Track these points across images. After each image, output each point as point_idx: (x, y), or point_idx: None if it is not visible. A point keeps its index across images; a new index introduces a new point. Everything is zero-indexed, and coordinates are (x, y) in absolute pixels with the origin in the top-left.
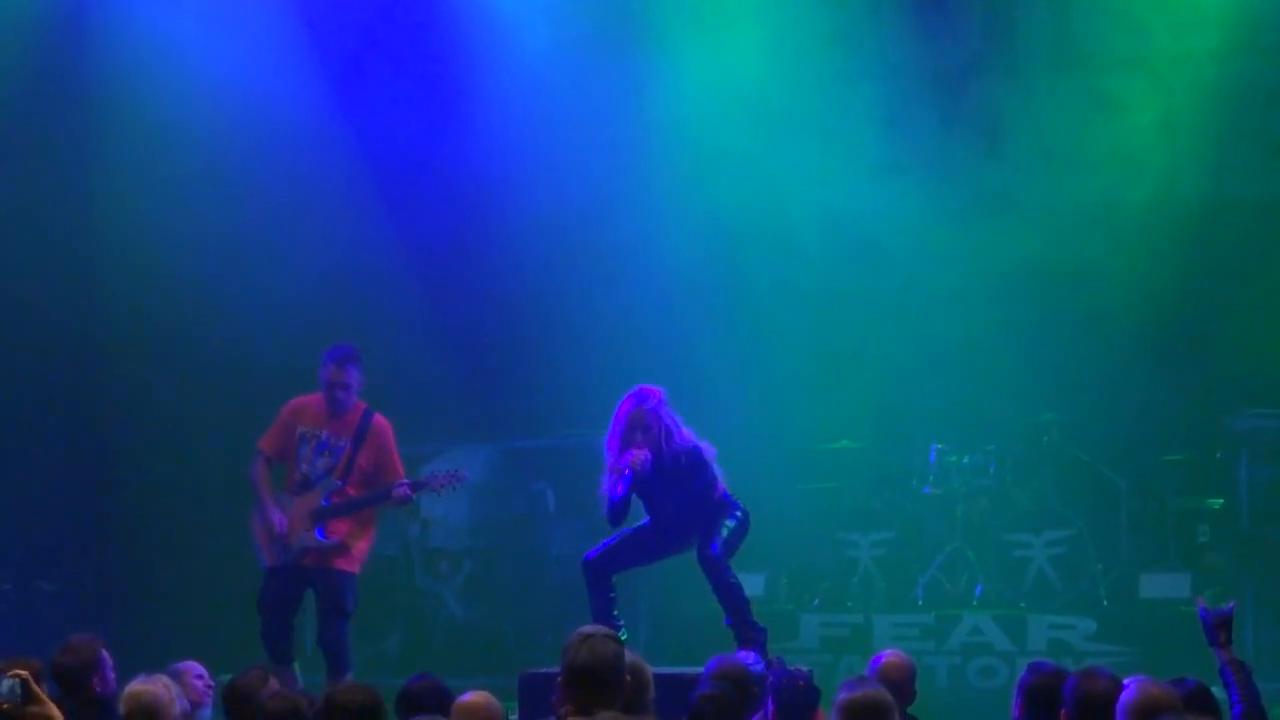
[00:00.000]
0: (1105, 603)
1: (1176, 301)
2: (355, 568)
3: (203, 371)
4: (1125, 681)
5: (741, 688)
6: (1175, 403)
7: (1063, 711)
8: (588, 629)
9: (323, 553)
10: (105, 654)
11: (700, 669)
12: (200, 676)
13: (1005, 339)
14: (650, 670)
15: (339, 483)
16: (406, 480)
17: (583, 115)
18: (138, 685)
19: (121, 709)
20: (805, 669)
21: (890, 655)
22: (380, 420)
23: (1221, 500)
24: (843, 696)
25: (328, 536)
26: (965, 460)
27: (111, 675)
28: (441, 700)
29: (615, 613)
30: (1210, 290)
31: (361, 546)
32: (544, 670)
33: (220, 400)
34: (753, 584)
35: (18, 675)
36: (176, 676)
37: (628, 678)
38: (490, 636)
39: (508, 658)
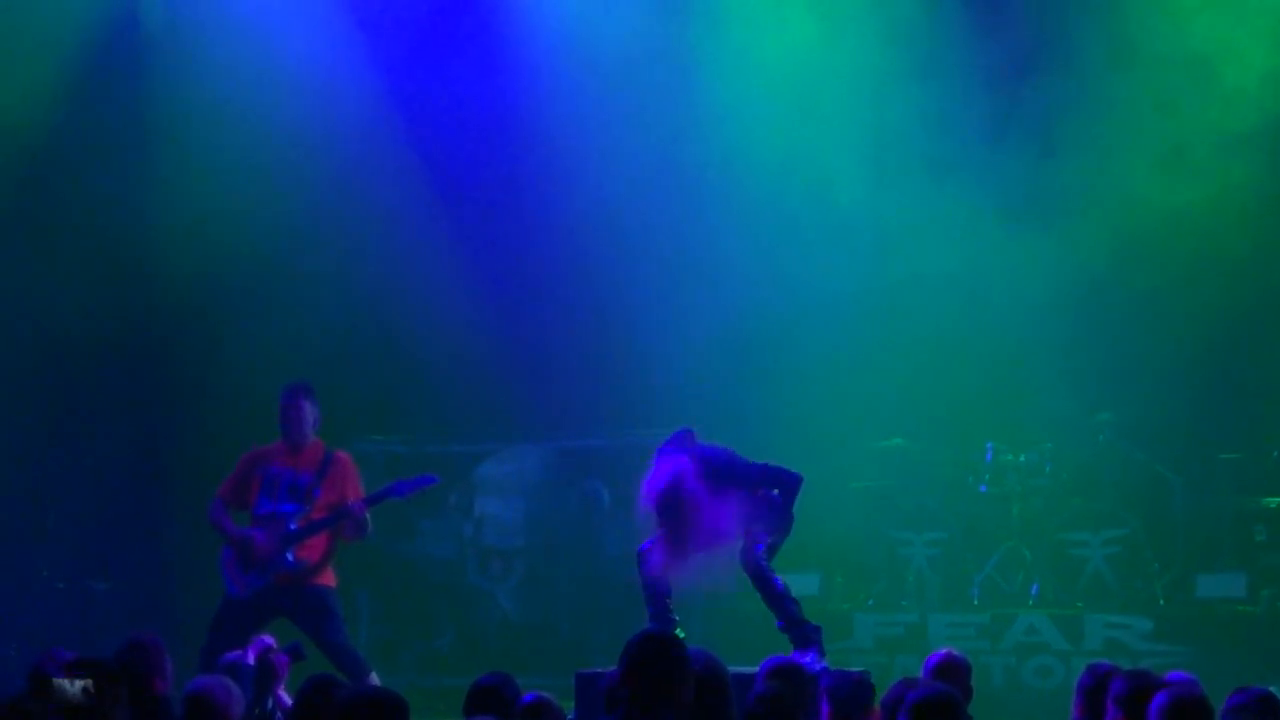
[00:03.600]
0: (1161, 602)
1: (1233, 300)
2: (334, 584)
3: (257, 368)
4: (1170, 676)
5: (797, 687)
6: (1231, 401)
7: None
8: (650, 629)
9: (299, 574)
10: (166, 653)
11: (755, 668)
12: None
13: (1060, 338)
14: (728, 671)
15: (306, 509)
16: (364, 497)
17: (635, 109)
18: (198, 685)
19: (181, 709)
20: (860, 669)
21: (946, 654)
22: (342, 455)
23: (1278, 499)
24: (914, 696)
25: (298, 560)
26: (1021, 459)
27: (171, 674)
28: (511, 700)
29: (670, 607)
30: (1268, 289)
31: (330, 573)
32: (599, 670)
33: (274, 396)
34: (807, 583)
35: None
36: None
37: (697, 679)
38: (545, 636)
39: (562, 657)
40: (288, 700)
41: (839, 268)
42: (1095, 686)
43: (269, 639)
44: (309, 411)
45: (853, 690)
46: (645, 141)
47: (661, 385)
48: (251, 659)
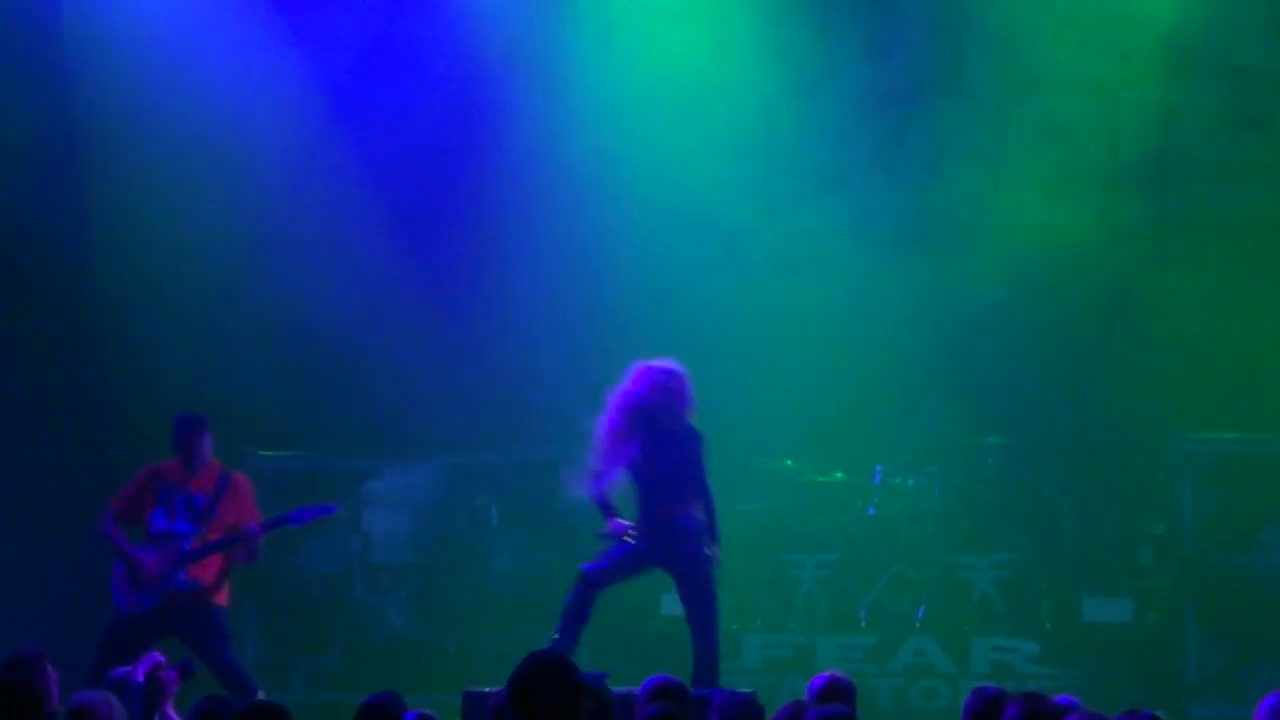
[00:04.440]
0: (1048, 625)
1: (1120, 325)
2: (225, 604)
3: (161, 377)
4: (1057, 699)
5: (683, 706)
6: (1119, 426)
7: None
8: (541, 650)
9: (192, 594)
10: (49, 668)
11: (635, 688)
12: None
13: (950, 361)
14: (611, 693)
15: (202, 529)
16: (260, 521)
17: (520, 119)
18: (81, 699)
19: None
20: (748, 690)
21: (830, 677)
22: (239, 477)
23: (1164, 524)
24: (813, 717)
25: (190, 580)
26: (910, 482)
27: (55, 691)
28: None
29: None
30: (1156, 313)
31: (224, 592)
32: (487, 690)
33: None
34: None
35: None
36: (122, 686)
37: (585, 700)
38: (433, 652)
39: (451, 674)
40: (175, 718)
41: (729, 284)
42: (982, 710)
43: (158, 656)
44: (205, 445)
45: (741, 711)
46: (536, 153)
47: (551, 404)
48: (140, 676)
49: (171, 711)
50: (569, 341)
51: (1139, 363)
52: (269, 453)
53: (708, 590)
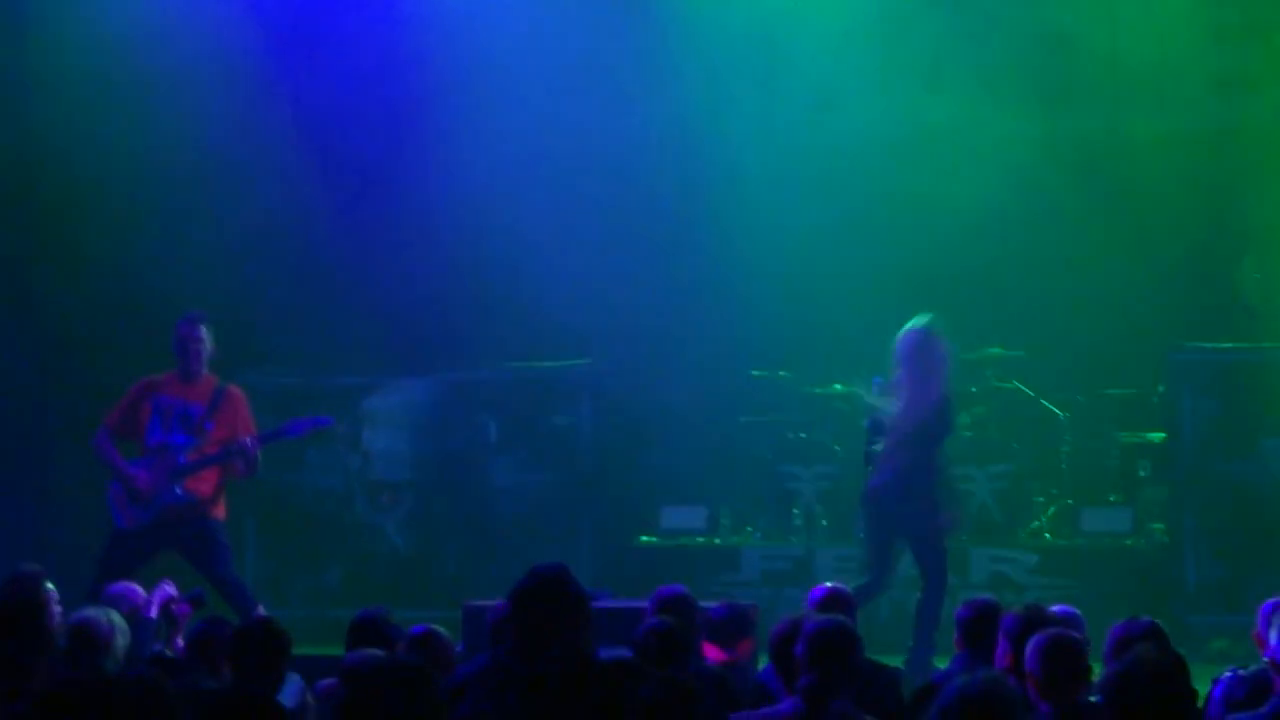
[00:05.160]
0: (1047, 536)
1: (1118, 235)
2: (223, 517)
3: (149, 297)
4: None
5: (687, 619)
6: (1118, 337)
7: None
8: (542, 564)
9: (189, 507)
10: (50, 586)
11: (645, 602)
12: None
13: (948, 273)
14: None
15: (198, 441)
16: (256, 433)
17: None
18: (81, 616)
19: (65, 640)
20: (747, 601)
21: (830, 589)
22: (234, 390)
23: (1164, 434)
24: (811, 627)
25: (187, 493)
26: None
27: (56, 608)
28: (391, 632)
29: None
30: (1153, 224)
31: (222, 506)
32: (487, 603)
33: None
34: (694, 516)
35: None
36: (121, 601)
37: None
38: (433, 569)
39: (451, 590)
40: (179, 642)
41: (730, 198)
42: (974, 618)
43: (170, 589)
44: (206, 342)
45: (730, 618)
46: (544, 83)
47: (550, 317)
48: (154, 611)
49: (180, 640)
50: (569, 256)
51: (1137, 273)
52: (267, 368)
53: None
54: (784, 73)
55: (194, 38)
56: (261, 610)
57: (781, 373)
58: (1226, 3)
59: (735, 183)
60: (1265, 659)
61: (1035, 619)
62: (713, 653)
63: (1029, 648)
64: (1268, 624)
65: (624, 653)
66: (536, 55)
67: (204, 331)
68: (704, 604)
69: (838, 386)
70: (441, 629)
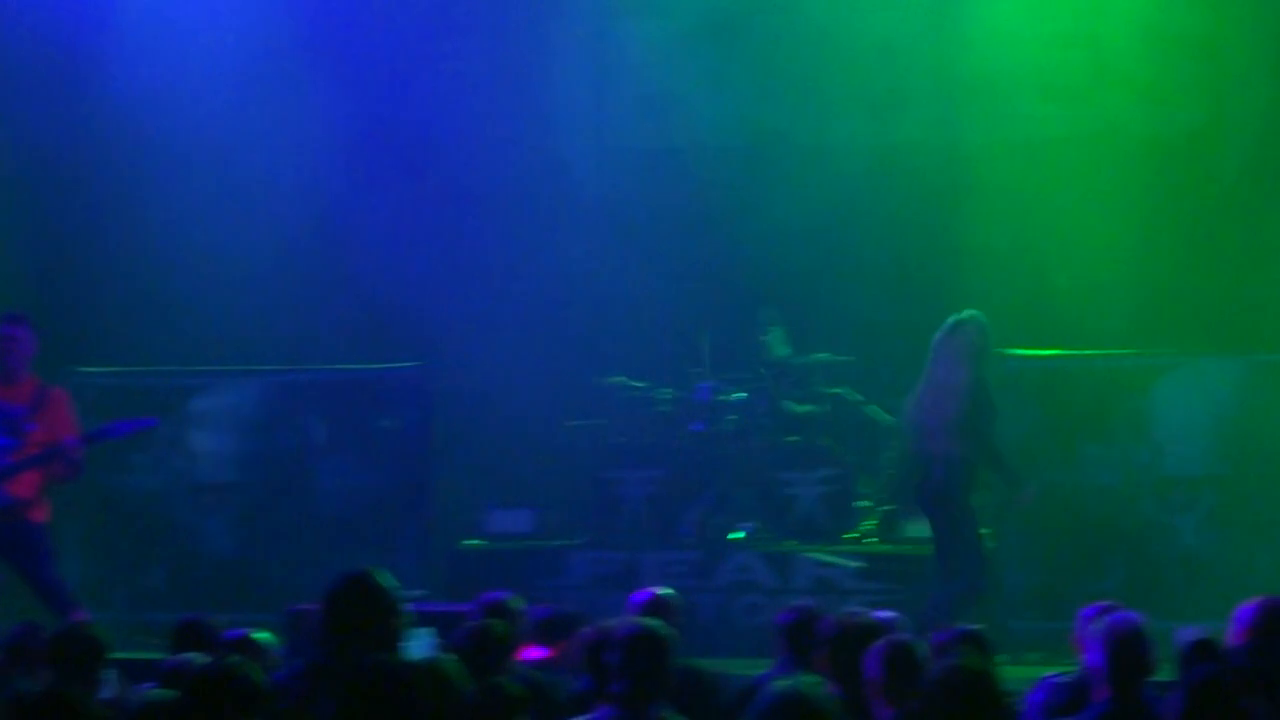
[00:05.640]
0: (871, 541)
1: (942, 243)
2: (46, 519)
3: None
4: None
5: (508, 622)
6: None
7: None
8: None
9: (11, 510)
10: None
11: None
12: None
13: (778, 279)
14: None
15: (19, 443)
16: (79, 435)
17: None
18: None
19: None
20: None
21: (653, 593)
22: (57, 391)
23: None
24: (622, 632)
25: (7, 496)
26: (736, 399)
27: None
28: (211, 638)
29: None
30: (976, 232)
31: (44, 509)
32: (311, 607)
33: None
34: (520, 520)
35: None
36: None
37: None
38: (257, 572)
39: (274, 594)
40: None
41: (557, 205)
42: (794, 624)
43: None
44: (28, 343)
45: (553, 619)
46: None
47: (382, 317)
48: None
49: None
50: (404, 257)
51: (963, 282)
52: (91, 369)
53: None
54: (616, 75)
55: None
56: (82, 614)
57: (616, 377)
58: (1057, 14)
59: (568, 186)
60: (1083, 665)
61: (855, 625)
62: (536, 652)
63: (870, 655)
64: (1086, 630)
65: (444, 656)
66: (372, 49)
67: (24, 332)
68: (530, 607)
69: (667, 391)
70: (263, 633)
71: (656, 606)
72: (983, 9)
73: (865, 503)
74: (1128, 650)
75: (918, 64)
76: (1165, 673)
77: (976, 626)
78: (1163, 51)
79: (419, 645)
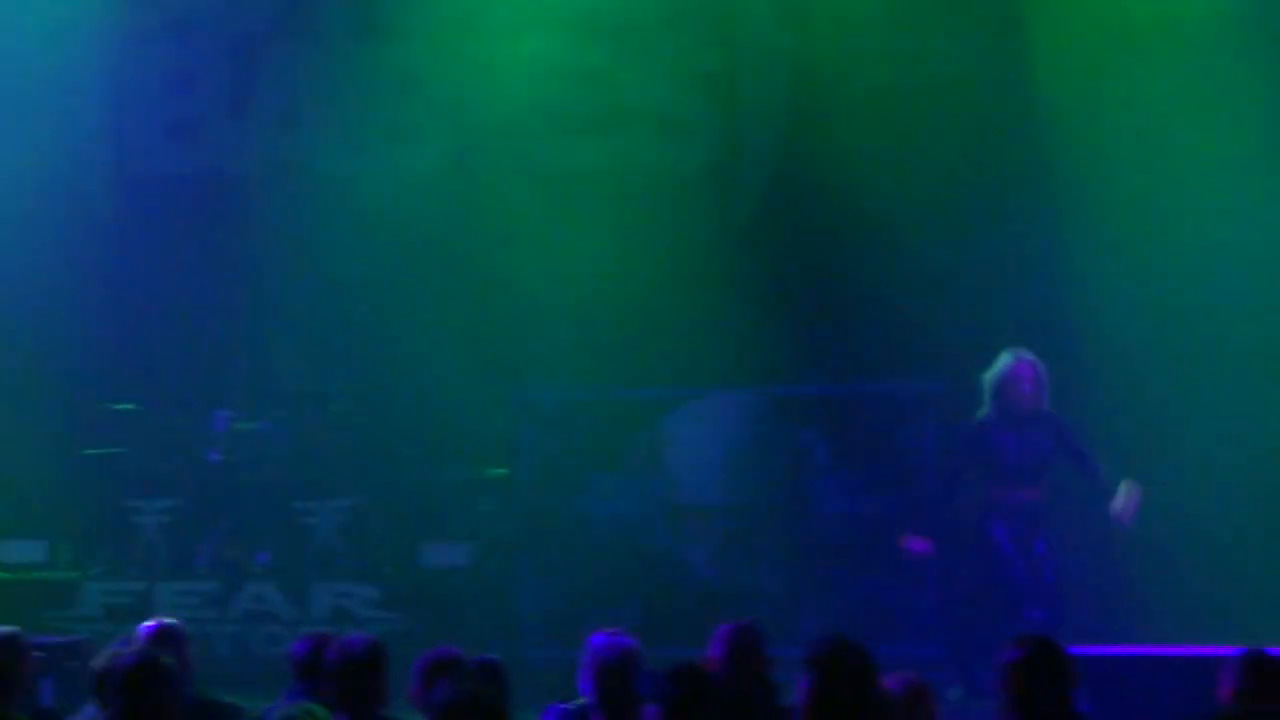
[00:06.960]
0: (388, 570)
1: (455, 279)
2: None
3: None
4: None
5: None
6: (462, 374)
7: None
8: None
9: None
10: None
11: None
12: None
13: (300, 308)
14: None
15: None
16: None
17: None
18: None
19: None
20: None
21: (158, 624)
22: None
23: (505, 470)
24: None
25: None
26: (254, 427)
27: None
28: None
29: None
30: (497, 269)
31: None
32: None
33: None
34: (33, 550)
35: None
36: None
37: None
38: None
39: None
40: None
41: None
42: (308, 653)
43: None
44: None
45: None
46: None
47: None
48: None
49: None
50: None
51: (479, 316)
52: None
53: None
54: (135, 102)
55: None
56: None
57: (128, 404)
58: (578, 49)
59: (85, 214)
60: (582, 697)
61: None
62: None
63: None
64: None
65: None
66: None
67: None
68: (42, 639)
69: (182, 419)
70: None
71: (161, 637)
72: (500, 44)
73: (381, 531)
74: (613, 677)
75: (437, 95)
76: None
77: (493, 656)
78: (677, 88)
79: None
